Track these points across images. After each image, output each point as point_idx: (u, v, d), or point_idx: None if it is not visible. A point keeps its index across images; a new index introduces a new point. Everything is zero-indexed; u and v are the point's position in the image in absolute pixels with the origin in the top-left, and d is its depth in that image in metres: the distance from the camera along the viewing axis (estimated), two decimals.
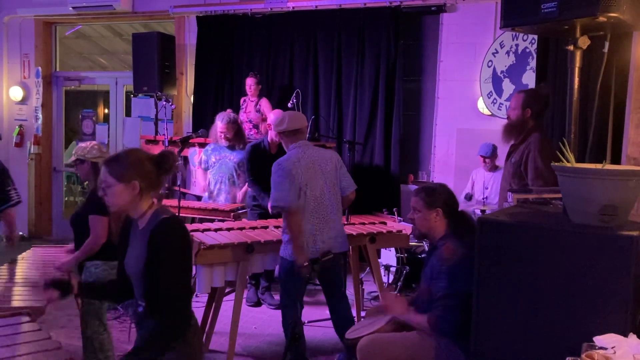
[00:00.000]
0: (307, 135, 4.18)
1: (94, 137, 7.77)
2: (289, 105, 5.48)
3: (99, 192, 2.15)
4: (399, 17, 6.01)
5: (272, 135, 4.76)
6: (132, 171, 2.11)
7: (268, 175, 4.64)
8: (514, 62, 5.66)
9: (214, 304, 4.06)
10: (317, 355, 4.00)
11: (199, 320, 2.55)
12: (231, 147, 5.15)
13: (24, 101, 7.78)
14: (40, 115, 7.67)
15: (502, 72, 5.74)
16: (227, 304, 4.08)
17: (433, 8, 5.99)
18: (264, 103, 6.06)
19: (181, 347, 2.11)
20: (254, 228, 4.11)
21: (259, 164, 4.71)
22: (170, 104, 6.10)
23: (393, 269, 5.41)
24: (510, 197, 2.87)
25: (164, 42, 6.58)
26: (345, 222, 4.28)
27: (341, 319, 3.66)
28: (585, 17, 2.25)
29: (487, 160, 5.51)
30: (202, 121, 6.46)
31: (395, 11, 6.00)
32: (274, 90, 6.59)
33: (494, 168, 5.53)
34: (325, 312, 4.64)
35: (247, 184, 5.09)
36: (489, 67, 5.80)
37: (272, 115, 4.79)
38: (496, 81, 5.77)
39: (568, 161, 1.92)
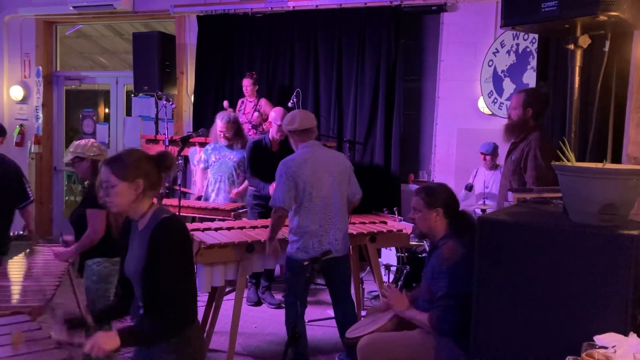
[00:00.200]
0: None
1: (94, 136, 7.77)
2: (289, 104, 5.48)
3: (100, 193, 2.13)
4: (399, 17, 6.00)
5: (273, 133, 4.76)
6: (135, 169, 2.10)
7: (268, 172, 4.66)
8: (515, 61, 5.65)
9: (214, 303, 4.06)
10: (317, 355, 4.00)
11: (199, 320, 2.54)
12: (231, 147, 5.15)
13: (24, 100, 7.79)
14: (40, 115, 7.68)
15: (502, 71, 5.73)
16: (228, 303, 4.08)
17: (434, 7, 5.98)
18: (264, 103, 6.06)
19: (182, 348, 2.09)
20: (254, 227, 4.11)
21: (259, 160, 4.71)
22: (170, 103, 6.10)
23: (393, 269, 5.41)
24: (511, 196, 2.87)
25: (164, 41, 6.58)
26: None
27: (345, 320, 3.66)
28: (585, 16, 2.25)
29: (487, 157, 5.51)
30: (203, 120, 6.46)
31: (395, 10, 6.00)
32: (275, 90, 6.59)
33: (494, 166, 5.53)
34: (326, 312, 4.64)
35: (245, 181, 5.09)
36: (490, 66, 5.80)
37: (274, 113, 4.79)
38: (497, 80, 5.76)
39: (568, 160, 1.92)
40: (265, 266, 3.97)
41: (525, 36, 5.52)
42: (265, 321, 4.68)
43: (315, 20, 6.35)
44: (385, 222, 4.60)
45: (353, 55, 6.17)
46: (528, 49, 5.54)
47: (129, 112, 7.70)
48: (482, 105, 5.87)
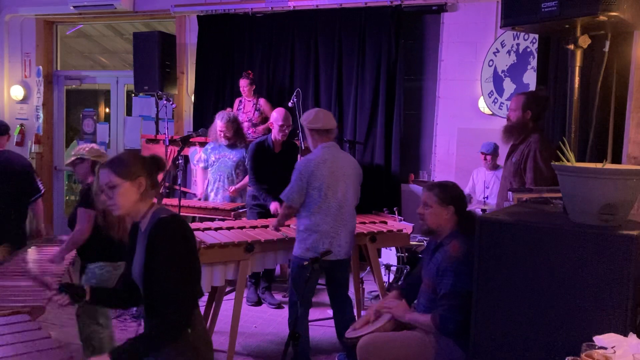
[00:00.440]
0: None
1: (94, 136, 7.78)
2: (290, 104, 5.48)
3: (102, 197, 2.09)
4: (399, 16, 6.00)
5: (275, 133, 4.76)
6: (136, 168, 2.08)
7: (271, 174, 4.66)
8: (515, 61, 5.65)
9: (214, 303, 4.06)
10: (317, 355, 4.00)
11: None
12: (231, 146, 5.15)
13: (25, 100, 7.79)
14: (41, 114, 7.68)
15: (503, 71, 5.73)
16: (228, 303, 4.08)
17: (434, 7, 5.98)
18: (264, 102, 6.07)
19: (187, 352, 2.05)
20: (254, 227, 4.11)
21: (262, 162, 4.71)
22: (171, 103, 6.10)
23: (393, 268, 5.41)
24: (511, 196, 2.87)
25: (164, 41, 6.58)
26: None
27: (344, 320, 3.67)
28: (585, 16, 2.25)
29: (487, 157, 5.51)
30: (203, 120, 6.47)
31: (396, 10, 5.99)
32: (275, 90, 6.58)
33: (494, 166, 5.53)
34: (326, 312, 4.64)
35: (244, 179, 5.08)
36: (490, 66, 5.80)
37: (276, 114, 4.79)
38: (497, 80, 5.76)
39: (568, 160, 1.92)
40: (265, 266, 3.97)
41: (526, 36, 5.52)
42: (266, 321, 4.68)
43: (315, 20, 6.35)
44: (385, 222, 4.60)
45: (353, 55, 6.17)
46: (528, 49, 5.54)
47: (129, 112, 7.70)
48: (482, 105, 5.87)
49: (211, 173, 5.25)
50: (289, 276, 5.68)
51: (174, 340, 2.01)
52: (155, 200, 2.19)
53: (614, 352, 1.50)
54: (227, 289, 4.44)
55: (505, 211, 2.29)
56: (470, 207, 5.29)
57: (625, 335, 1.60)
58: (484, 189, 5.40)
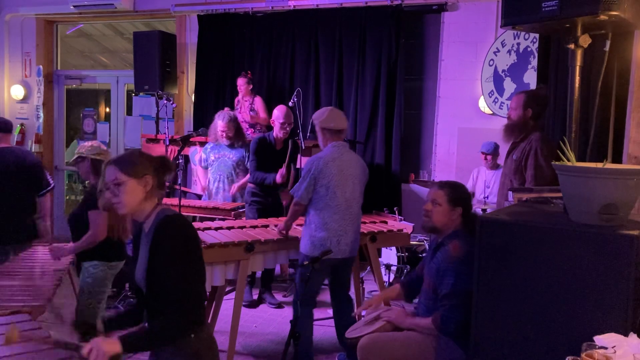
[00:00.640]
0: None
1: (95, 135, 7.78)
2: (290, 104, 5.47)
3: (106, 195, 2.05)
4: (400, 16, 6.00)
5: (276, 131, 4.76)
6: (142, 166, 2.05)
7: (271, 169, 4.66)
8: (516, 61, 5.65)
9: (214, 303, 4.06)
10: (318, 355, 3.99)
11: None
12: (231, 146, 5.15)
13: (25, 100, 7.79)
14: (41, 114, 7.68)
15: (503, 71, 5.73)
16: (228, 302, 4.08)
17: (434, 7, 5.98)
18: (258, 102, 6.07)
19: (188, 357, 2.01)
20: (254, 227, 4.11)
21: (263, 157, 4.71)
22: (171, 102, 6.10)
23: (394, 268, 5.41)
24: (511, 196, 2.87)
25: (165, 40, 6.58)
26: None
27: (345, 321, 3.67)
28: (586, 16, 2.24)
29: (488, 157, 5.51)
30: (203, 120, 6.47)
31: (396, 10, 5.99)
32: (275, 89, 6.58)
33: (495, 166, 5.52)
34: (326, 312, 4.64)
35: (245, 176, 5.07)
36: (490, 65, 5.79)
37: (277, 111, 4.78)
38: (497, 80, 5.76)
39: (569, 160, 1.91)
40: (266, 265, 3.97)
41: (526, 36, 5.51)
42: (266, 321, 4.68)
43: (315, 20, 6.34)
44: (385, 222, 4.60)
45: (354, 54, 6.17)
46: (529, 49, 5.54)
47: (129, 112, 7.70)
48: (482, 104, 5.87)
49: (211, 173, 5.25)
50: (289, 275, 5.70)
51: (174, 339, 1.97)
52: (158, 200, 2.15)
53: (615, 352, 1.49)
54: (228, 289, 4.45)
55: (506, 211, 2.29)
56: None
57: (626, 335, 1.59)
58: (484, 188, 5.40)
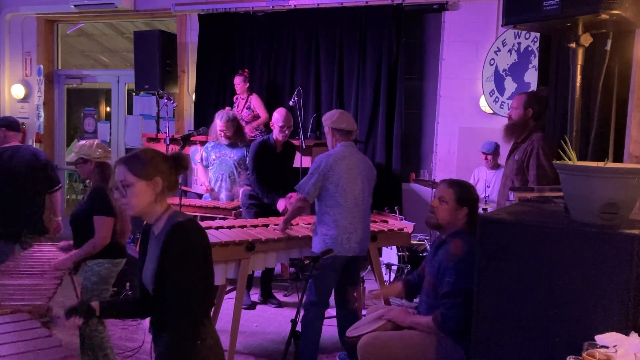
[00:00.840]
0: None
1: (95, 135, 7.79)
2: (290, 103, 5.48)
3: (116, 194, 2.01)
4: (400, 15, 6.00)
5: (276, 134, 4.75)
6: (152, 167, 1.99)
7: (274, 173, 4.66)
8: (516, 60, 5.64)
9: (215, 302, 4.06)
10: (318, 354, 3.99)
11: None
12: (231, 145, 5.15)
13: (25, 99, 7.80)
14: (42, 113, 7.68)
15: (504, 70, 5.72)
16: (228, 302, 4.08)
17: (435, 6, 5.98)
18: (254, 99, 6.09)
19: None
20: (255, 226, 4.11)
21: (264, 161, 4.71)
22: (171, 102, 6.10)
23: (394, 268, 5.41)
24: (512, 195, 2.87)
25: (165, 40, 6.58)
26: None
27: (348, 320, 3.66)
28: (587, 15, 2.24)
29: (488, 157, 5.50)
30: (204, 119, 6.47)
31: (397, 9, 5.99)
32: (276, 89, 6.59)
33: (495, 166, 5.52)
34: (327, 311, 4.63)
35: (245, 180, 5.07)
36: (491, 65, 5.79)
37: (277, 114, 4.78)
38: (498, 79, 5.75)
39: (570, 159, 1.91)
40: (267, 265, 3.96)
41: (527, 35, 5.51)
42: (266, 320, 4.68)
43: (316, 19, 6.34)
44: (386, 221, 4.60)
45: (354, 54, 6.17)
46: (529, 48, 5.53)
47: (130, 111, 7.70)
48: (483, 104, 5.87)
49: (212, 172, 5.25)
50: (289, 275, 5.70)
51: (185, 353, 1.93)
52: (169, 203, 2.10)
53: (616, 351, 1.49)
54: (228, 288, 4.44)
55: (507, 210, 2.29)
56: None
57: (627, 334, 1.59)
58: (484, 188, 5.40)
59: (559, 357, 1.63)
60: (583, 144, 2.98)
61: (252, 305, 4.96)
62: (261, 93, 6.44)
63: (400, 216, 4.96)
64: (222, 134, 5.08)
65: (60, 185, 4.62)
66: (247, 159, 4.98)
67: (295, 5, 6.41)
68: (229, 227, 4.02)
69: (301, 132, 5.23)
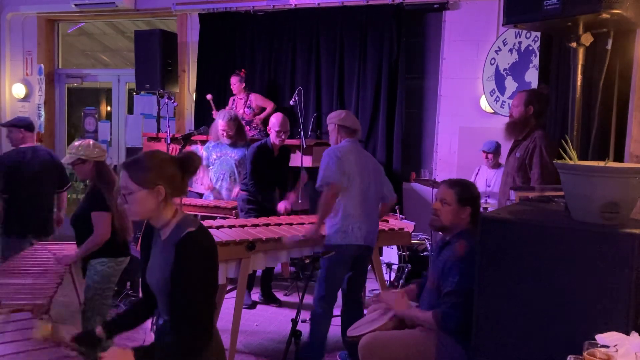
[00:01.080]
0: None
1: (96, 134, 7.79)
2: (291, 103, 5.48)
3: (119, 199, 1.98)
4: (401, 15, 5.99)
5: (273, 138, 4.76)
6: (155, 175, 1.92)
7: (270, 176, 4.67)
8: (517, 59, 5.64)
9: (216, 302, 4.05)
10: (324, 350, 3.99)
11: None
12: (233, 145, 5.15)
13: (26, 98, 7.80)
14: (42, 113, 7.68)
15: (504, 69, 5.72)
16: (229, 301, 4.08)
17: (436, 5, 5.98)
18: (254, 98, 6.09)
19: None
20: (255, 225, 4.11)
21: (262, 164, 4.71)
22: (172, 101, 6.09)
23: (395, 267, 5.41)
24: (513, 194, 2.87)
25: (166, 39, 6.58)
26: None
27: (352, 321, 3.66)
28: (588, 14, 2.24)
29: (489, 156, 5.50)
30: (205, 118, 6.47)
31: (397, 8, 5.99)
32: (276, 88, 6.58)
33: (496, 165, 5.52)
34: None
35: (241, 185, 5.04)
36: (492, 64, 5.79)
37: (274, 119, 4.79)
38: (499, 79, 5.75)
39: (570, 159, 1.91)
40: (267, 264, 3.97)
41: (528, 34, 5.51)
42: (267, 319, 4.68)
43: (317, 18, 6.34)
44: (386, 221, 4.60)
45: (355, 53, 6.17)
46: (530, 47, 5.53)
47: (130, 110, 7.71)
48: (484, 103, 5.87)
49: (213, 171, 5.25)
50: (290, 274, 5.70)
51: (186, 357, 1.93)
52: (178, 207, 2.06)
53: (616, 350, 1.49)
54: (229, 287, 4.45)
55: (507, 209, 2.29)
56: None
57: (628, 333, 1.59)
58: (485, 187, 5.39)
59: (560, 356, 1.63)
60: (584, 143, 2.98)
61: (252, 305, 4.96)
62: (261, 92, 6.44)
63: (400, 215, 4.96)
64: (225, 134, 5.08)
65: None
66: (246, 161, 4.97)
67: (295, 5, 6.41)
68: (230, 227, 4.02)
69: (302, 132, 5.23)
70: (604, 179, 1.80)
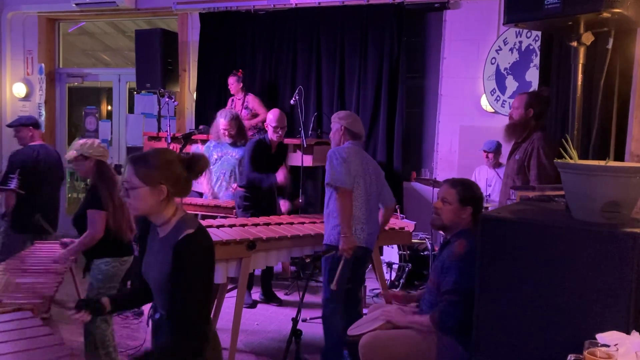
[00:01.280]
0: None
1: (97, 133, 7.79)
2: (292, 102, 5.48)
3: (121, 192, 1.99)
4: (402, 14, 5.99)
5: (270, 134, 4.76)
6: (161, 174, 1.93)
7: (266, 172, 4.66)
8: (518, 59, 5.64)
9: (216, 301, 4.06)
10: (318, 353, 4.00)
11: None
12: (233, 144, 5.15)
13: (27, 97, 7.80)
14: (43, 112, 7.69)
15: (505, 69, 5.72)
16: (230, 300, 4.08)
17: (436, 5, 5.98)
18: (251, 99, 6.09)
19: None
20: (256, 225, 4.11)
21: (260, 159, 4.71)
22: (173, 100, 6.10)
23: (395, 266, 5.41)
24: (514, 194, 2.87)
25: (167, 38, 6.59)
26: None
27: (351, 319, 3.67)
28: (589, 13, 2.23)
29: (490, 155, 5.50)
30: (205, 118, 6.47)
31: (398, 8, 5.99)
32: (277, 87, 6.58)
33: (497, 165, 5.52)
34: None
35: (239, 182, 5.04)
36: (493, 64, 5.79)
37: (271, 115, 4.78)
38: (499, 78, 5.75)
39: (571, 158, 1.91)
40: (268, 263, 3.97)
41: (528, 34, 5.51)
42: (267, 319, 4.69)
43: (317, 18, 6.34)
44: None
45: (355, 52, 6.17)
46: (531, 47, 5.53)
47: (131, 110, 7.71)
48: (484, 103, 5.86)
49: (214, 171, 5.25)
50: (290, 274, 5.70)
51: (195, 356, 1.95)
52: (178, 206, 2.06)
53: (617, 349, 1.49)
54: (229, 287, 4.45)
55: (508, 209, 2.28)
56: None
57: (628, 333, 1.59)
58: (485, 187, 5.40)
59: (560, 355, 1.63)
60: (584, 142, 2.97)
61: (253, 304, 4.96)
62: (262, 92, 6.44)
63: (401, 215, 4.96)
64: (226, 133, 5.08)
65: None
66: (244, 157, 4.95)
67: (296, 4, 6.41)
68: (230, 226, 4.02)
69: (302, 131, 5.23)
70: (605, 178, 1.80)
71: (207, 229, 3.67)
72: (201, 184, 5.54)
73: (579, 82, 2.48)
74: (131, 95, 7.74)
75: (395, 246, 5.38)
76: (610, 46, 2.66)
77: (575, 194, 1.91)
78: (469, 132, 5.96)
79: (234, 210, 4.89)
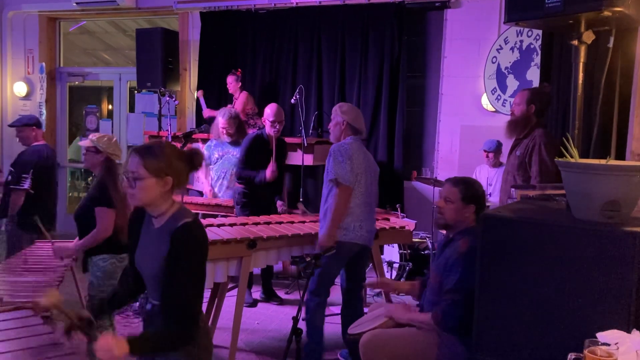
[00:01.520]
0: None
1: (97, 133, 7.79)
2: (292, 101, 5.47)
3: (124, 182, 2.00)
4: (402, 13, 5.99)
5: (268, 129, 4.75)
6: (166, 166, 1.96)
7: (262, 167, 4.65)
8: (518, 58, 5.64)
9: (216, 300, 4.07)
10: (324, 345, 3.99)
11: None
12: (234, 143, 5.15)
13: (28, 97, 7.81)
14: (44, 111, 7.69)
15: (506, 68, 5.72)
16: (230, 299, 4.09)
17: (437, 4, 5.98)
18: (241, 97, 6.06)
19: (189, 348, 2.00)
20: (257, 224, 4.11)
21: (258, 154, 4.70)
22: (173, 99, 6.11)
23: (396, 265, 5.41)
24: (514, 193, 2.87)
25: (167, 37, 6.58)
26: None
27: (352, 319, 3.66)
28: (590, 12, 2.23)
29: (490, 155, 5.50)
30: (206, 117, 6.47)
31: (399, 7, 5.98)
32: (277, 86, 6.58)
33: (497, 164, 5.52)
34: (328, 309, 4.63)
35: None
36: (493, 63, 5.78)
37: (268, 110, 4.77)
38: (500, 77, 5.75)
39: (572, 157, 1.91)
40: (268, 262, 3.97)
41: (529, 33, 5.50)
42: (268, 317, 4.69)
43: (318, 17, 6.34)
44: (388, 219, 4.60)
45: (356, 51, 6.16)
46: (532, 46, 5.53)
47: (132, 109, 7.71)
48: (485, 102, 5.86)
49: (214, 170, 5.25)
50: (290, 273, 5.70)
51: (178, 347, 1.97)
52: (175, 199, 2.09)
53: (617, 348, 1.49)
54: (230, 286, 4.45)
55: (508, 208, 2.28)
56: None
57: (629, 331, 1.59)
58: (486, 186, 5.40)
59: (560, 354, 1.63)
60: (585, 141, 2.97)
61: (253, 303, 4.96)
62: (263, 91, 6.44)
63: (401, 214, 4.96)
64: (224, 132, 5.08)
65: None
66: (240, 150, 4.90)
67: (297, 3, 6.41)
68: (231, 225, 4.02)
69: (303, 130, 5.23)
70: (606, 177, 1.80)
71: (208, 228, 3.69)
72: (202, 183, 5.55)
73: (580, 81, 2.48)
74: (132, 94, 7.74)
75: (395, 245, 5.38)
76: (611, 45, 2.66)
77: (575, 193, 1.91)
78: (470, 131, 5.96)
79: (234, 209, 4.88)
